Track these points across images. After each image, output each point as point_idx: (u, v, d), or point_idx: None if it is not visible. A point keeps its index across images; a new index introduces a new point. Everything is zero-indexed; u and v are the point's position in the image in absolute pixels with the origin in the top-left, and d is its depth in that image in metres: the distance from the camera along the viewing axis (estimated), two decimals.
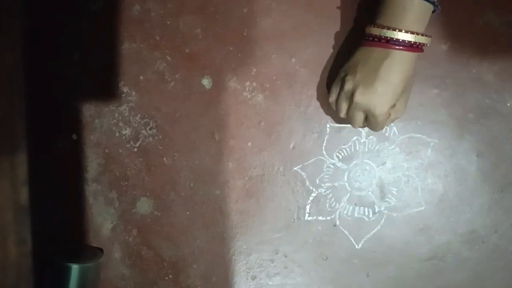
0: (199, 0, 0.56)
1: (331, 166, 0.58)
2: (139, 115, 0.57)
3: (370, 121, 0.50)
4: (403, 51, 0.46)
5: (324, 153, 0.57)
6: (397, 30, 0.46)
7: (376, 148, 0.57)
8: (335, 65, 0.56)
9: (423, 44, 0.47)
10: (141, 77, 0.57)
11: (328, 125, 0.57)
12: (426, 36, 0.47)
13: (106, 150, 0.57)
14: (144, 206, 0.58)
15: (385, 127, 0.53)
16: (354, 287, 0.59)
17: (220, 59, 0.56)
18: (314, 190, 0.58)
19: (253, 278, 0.59)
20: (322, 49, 0.56)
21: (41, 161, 0.56)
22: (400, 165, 0.58)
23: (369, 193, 0.58)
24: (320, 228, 0.58)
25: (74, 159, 0.57)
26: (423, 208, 0.58)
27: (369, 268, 0.58)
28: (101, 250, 0.58)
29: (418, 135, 0.57)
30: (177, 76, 0.57)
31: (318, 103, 0.57)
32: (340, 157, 0.57)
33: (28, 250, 0.35)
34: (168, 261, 0.58)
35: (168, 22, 0.56)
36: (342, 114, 0.52)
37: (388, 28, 0.46)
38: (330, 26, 0.56)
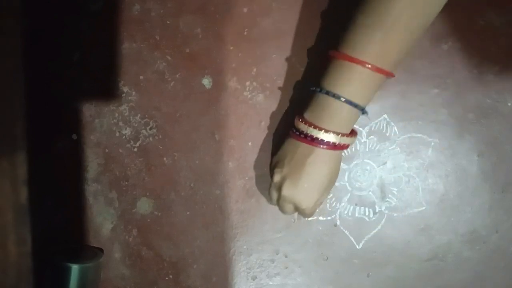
0: (199, 0, 0.56)
1: None
2: (139, 115, 0.57)
3: (299, 212, 0.51)
4: (327, 150, 0.47)
5: None
6: (322, 131, 0.46)
7: (377, 148, 0.57)
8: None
9: (347, 144, 0.48)
10: (141, 77, 0.57)
11: None
12: (350, 137, 0.47)
13: (106, 150, 0.57)
14: (144, 206, 0.58)
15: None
16: (355, 287, 0.59)
17: (220, 58, 0.56)
18: None
19: (254, 278, 0.59)
20: (323, 49, 0.56)
21: (41, 161, 0.56)
22: (401, 165, 0.57)
23: (370, 193, 0.58)
24: (320, 228, 0.58)
25: (74, 159, 0.57)
26: (423, 208, 0.58)
27: (369, 268, 0.58)
28: (101, 250, 0.58)
29: (419, 135, 0.57)
30: (177, 76, 0.57)
31: None
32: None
33: (28, 250, 0.35)
34: (168, 261, 0.58)
35: (168, 22, 0.56)
36: (273, 202, 0.52)
37: (314, 127, 0.46)
38: (330, 25, 0.56)
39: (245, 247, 0.58)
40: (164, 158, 0.57)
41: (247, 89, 0.57)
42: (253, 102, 0.57)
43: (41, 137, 0.56)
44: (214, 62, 0.56)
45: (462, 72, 0.56)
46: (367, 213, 0.58)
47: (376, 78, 0.45)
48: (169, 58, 0.56)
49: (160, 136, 0.57)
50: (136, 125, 0.57)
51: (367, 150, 0.57)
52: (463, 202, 0.58)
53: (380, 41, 0.43)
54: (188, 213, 0.58)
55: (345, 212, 0.58)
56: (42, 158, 0.56)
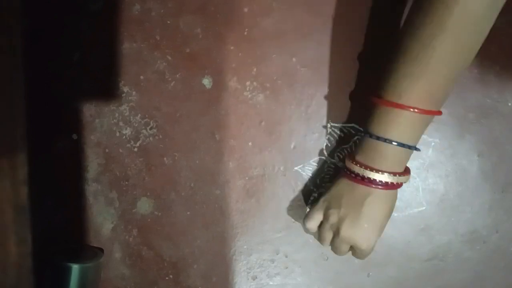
0: (199, 0, 0.56)
1: (331, 166, 0.57)
2: (139, 115, 0.57)
3: (357, 253, 0.51)
4: (384, 190, 0.47)
5: (325, 153, 0.57)
6: (379, 172, 0.46)
7: None
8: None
9: (403, 182, 0.48)
10: (142, 77, 0.56)
11: (329, 125, 0.57)
12: (405, 175, 0.47)
13: (107, 150, 0.57)
14: (144, 206, 0.58)
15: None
16: (355, 287, 0.59)
17: (220, 58, 0.56)
18: (315, 190, 0.57)
19: (254, 278, 0.59)
20: (323, 49, 0.56)
21: (41, 161, 0.56)
22: None
23: None
24: None
25: (74, 159, 0.57)
26: (424, 208, 0.58)
27: (369, 268, 0.58)
28: (101, 250, 0.58)
29: None
30: (177, 75, 0.57)
31: (319, 103, 0.57)
32: (341, 157, 0.57)
33: (28, 250, 0.35)
34: (169, 261, 0.58)
35: (169, 22, 0.56)
36: (326, 244, 0.52)
37: (370, 169, 0.47)
38: (331, 25, 0.56)
39: (245, 247, 0.58)
40: (164, 158, 0.57)
41: (247, 89, 0.57)
42: (253, 102, 0.57)
43: (41, 137, 0.56)
44: (214, 62, 0.56)
45: (462, 72, 0.56)
46: None
47: (425, 119, 0.46)
48: (169, 58, 0.56)
49: (160, 136, 0.57)
50: (136, 125, 0.57)
51: None
52: (463, 202, 0.58)
53: (425, 86, 0.43)
54: (188, 213, 0.58)
55: None
56: (42, 158, 0.56)
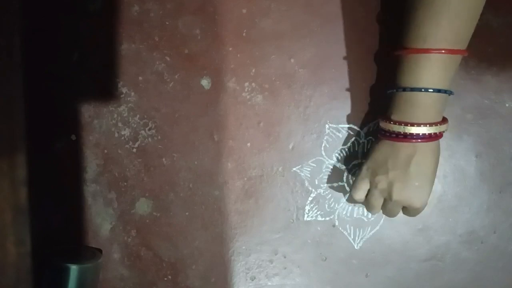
0: (198, 1, 0.56)
1: (330, 166, 0.58)
2: (138, 116, 0.57)
3: (410, 212, 0.51)
4: (428, 142, 0.47)
5: (323, 153, 0.57)
6: (421, 126, 0.46)
7: None
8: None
9: (444, 131, 0.48)
10: (140, 78, 0.57)
11: (327, 126, 0.57)
12: (444, 124, 0.47)
13: (105, 151, 0.57)
14: (143, 206, 0.58)
15: None
16: None
17: (219, 59, 0.56)
18: (313, 190, 0.58)
19: (252, 278, 0.59)
20: (321, 50, 0.56)
21: (40, 162, 0.56)
22: None
23: None
24: (319, 228, 0.58)
25: (73, 159, 0.57)
26: None
27: (368, 268, 0.59)
28: (100, 250, 0.58)
29: None
30: (176, 76, 0.57)
31: (317, 104, 0.57)
32: (339, 157, 0.57)
33: (27, 251, 0.36)
34: (167, 261, 0.58)
35: (167, 23, 0.56)
36: (376, 211, 0.52)
37: (410, 124, 0.46)
38: (329, 26, 0.56)
39: (244, 247, 0.59)
40: (163, 159, 0.57)
41: (246, 90, 0.57)
42: (252, 103, 0.57)
43: (40, 137, 0.56)
44: (213, 62, 0.56)
45: (460, 73, 0.56)
46: (365, 214, 0.58)
47: (453, 60, 0.45)
48: (168, 58, 0.56)
49: (159, 137, 0.57)
50: (135, 125, 0.57)
51: (365, 151, 0.57)
52: (462, 203, 0.58)
53: (449, 25, 0.43)
54: (187, 213, 0.58)
55: (344, 213, 0.58)
56: (41, 159, 0.56)
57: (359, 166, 0.54)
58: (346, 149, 0.57)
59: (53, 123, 0.56)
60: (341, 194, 0.58)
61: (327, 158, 0.58)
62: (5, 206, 0.32)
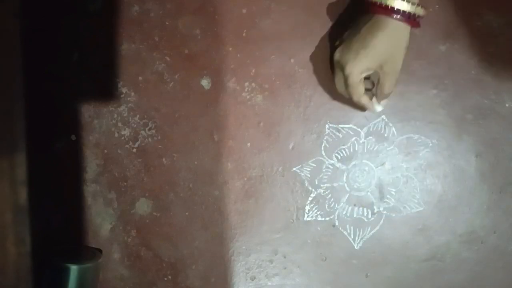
0: (198, 1, 0.56)
1: (330, 166, 0.58)
2: (138, 116, 0.57)
3: (346, 85, 0.50)
4: (387, 16, 0.46)
5: (323, 153, 0.57)
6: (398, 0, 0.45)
7: (375, 148, 0.57)
8: None
9: (410, 13, 0.46)
10: (140, 78, 0.57)
11: (327, 126, 0.57)
12: (418, 6, 0.46)
13: (105, 151, 0.57)
14: (143, 206, 0.58)
15: (362, 98, 0.51)
16: None
17: (219, 59, 0.56)
18: (313, 190, 0.58)
19: (252, 278, 0.59)
20: (321, 50, 0.56)
21: (40, 162, 0.56)
22: (399, 165, 0.58)
23: (368, 193, 0.58)
24: (319, 228, 0.58)
25: (73, 159, 0.57)
26: (422, 208, 0.58)
27: (368, 268, 0.59)
28: (100, 250, 0.58)
29: (417, 136, 0.57)
30: (176, 76, 0.57)
31: (317, 104, 0.57)
32: (339, 157, 0.57)
33: (27, 251, 0.36)
34: (167, 261, 0.58)
35: (167, 23, 0.56)
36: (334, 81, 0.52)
37: None
38: (329, 26, 0.56)
39: (244, 247, 0.59)
40: (163, 159, 0.57)
41: (246, 90, 0.57)
42: (252, 103, 0.57)
43: (40, 137, 0.56)
44: (213, 63, 0.56)
45: (460, 73, 0.56)
46: (365, 214, 0.58)
47: None
48: (168, 58, 0.56)
49: (159, 137, 0.57)
50: (135, 125, 0.57)
51: (365, 151, 0.57)
52: (461, 203, 0.58)
53: None
54: (187, 213, 0.58)
55: (344, 213, 0.58)
56: (41, 159, 0.56)
57: None
58: (346, 149, 0.57)
59: (53, 123, 0.56)
60: (340, 195, 0.58)
61: (327, 158, 0.58)
62: (5, 205, 0.32)
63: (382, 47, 0.47)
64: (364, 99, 0.51)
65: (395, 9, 0.45)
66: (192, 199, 0.58)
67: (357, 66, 0.48)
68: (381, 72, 0.49)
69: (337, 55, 0.49)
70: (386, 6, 0.45)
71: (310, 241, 0.58)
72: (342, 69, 0.49)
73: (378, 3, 0.46)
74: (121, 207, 0.58)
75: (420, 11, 0.46)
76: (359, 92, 0.50)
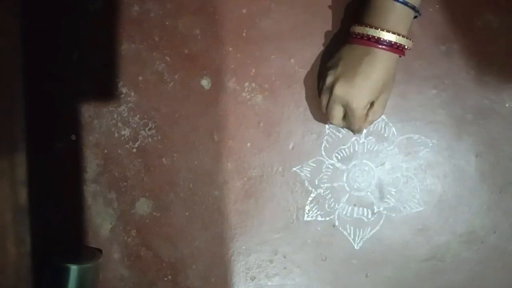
0: (198, 1, 0.56)
1: (330, 166, 0.58)
2: (138, 116, 0.57)
3: (348, 116, 0.51)
4: (385, 51, 0.48)
5: (323, 153, 0.57)
6: (379, 29, 0.47)
7: (375, 148, 0.57)
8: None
9: (404, 46, 0.48)
10: (140, 78, 0.57)
11: (327, 126, 0.57)
12: (408, 38, 0.48)
13: (105, 151, 0.57)
14: (143, 206, 0.58)
15: (363, 129, 0.54)
16: None
17: (219, 59, 0.56)
18: (313, 190, 0.58)
19: (252, 278, 0.59)
20: (321, 50, 0.56)
21: (40, 162, 0.56)
22: (399, 165, 0.58)
23: (368, 193, 0.58)
24: (319, 228, 0.58)
25: (73, 159, 0.57)
26: (422, 208, 0.58)
27: (368, 268, 0.59)
28: (100, 250, 0.58)
29: (417, 136, 0.57)
30: (176, 76, 0.57)
31: (317, 104, 0.57)
32: (339, 157, 0.57)
33: (27, 251, 0.36)
34: (167, 261, 0.58)
35: (167, 23, 0.56)
36: (323, 109, 0.53)
37: (371, 27, 0.48)
38: (329, 26, 0.56)
39: (244, 247, 0.59)
40: (163, 159, 0.57)
41: (246, 90, 0.57)
42: (252, 103, 0.57)
43: (40, 137, 0.56)
44: (213, 63, 0.56)
45: (460, 73, 0.56)
46: (365, 214, 0.58)
47: None
48: (168, 58, 0.56)
49: (159, 137, 0.57)
50: (135, 125, 0.57)
51: (365, 151, 0.57)
52: (461, 203, 0.58)
53: None
54: (187, 213, 0.58)
55: (344, 213, 0.58)
56: (41, 159, 0.56)
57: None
58: (346, 149, 0.57)
59: (53, 123, 0.56)
60: (340, 194, 0.58)
61: (327, 158, 0.58)
62: (5, 205, 0.32)
63: (382, 79, 0.49)
64: (364, 126, 0.52)
65: (393, 42, 0.47)
66: (192, 199, 0.58)
67: (363, 101, 0.49)
68: (376, 101, 0.50)
69: (339, 91, 0.49)
70: (382, 40, 0.47)
71: (310, 241, 0.58)
72: (345, 103, 0.50)
73: (374, 37, 0.47)
74: (121, 207, 0.58)
75: (410, 43, 0.49)
76: (362, 121, 0.51)
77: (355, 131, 0.53)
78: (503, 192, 0.58)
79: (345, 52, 0.50)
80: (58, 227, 0.57)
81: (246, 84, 0.57)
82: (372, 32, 0.48)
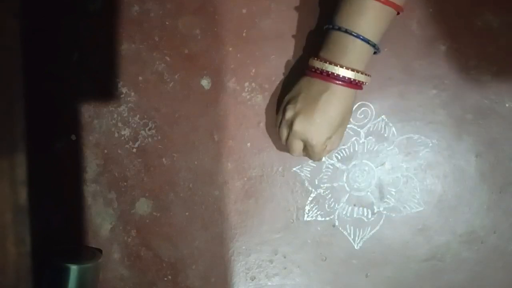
0: (198, 1, 0.56)
1: (330, 166, 0.58)
2: (138, 116, 0.57)
3: (308, 150, 0.51)
4: (342, 86, 0.48)
5: None
6: (338, 66, 0.47)
7: (375, 148, 0.57)
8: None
9: (362, 82, 0.48)
10: (140, 78, 0.57)
11: None
12: (365, 75, 0.48)
13: (105, 151, 0.57)
14: (143, 206, 0.58)
15: (322, 157, 0.54)
16: None
17: (219, 59, 0.56)
18: (313, 190, 0.58)
19: (252, 278, 0.59)
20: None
21: (40, 162, 0.56)
22: (399, 165, 0.58)
23: (368, 193, 0.58)
24: (319, 228, 0.58)
25: (73, 159, 0.57)
26: (422, 208, 0.58)
27: (368, 268, 0.59)
28: (100, 250, 0.58)
29: (417, 136, 0.57)
30: (176, 76, 0.57)
31: None
32: (339, 157, 0.57)
33: (27, 251, 0.36)
34: (167, 261, 0.58)
35: (167, 23, 0.56)
36: (283, 141, 0.53)
37: (330, 63, 0.47)
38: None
39: (244, 247, 0.59)
40: (163, 159, 0.57)
41: (246, 90, 0.57)
42: (252, 103, 0.57)
43: (40, 137, 0.56)
44: (213, 63, 0.56)
45: (460, 73, 0.56)
46: (365, 214, 0.58)
47: (387, 12, 0.47)
48: (168, 59, 0.56)
49: (159, 137, 0.57)
50: (135, 125, 0.57)
51: (365, 151, 0.57)
52: (461, 203, 0.58)
53: None
54: (187, 213, 0.58)
55: (344, 213, 0.58)
56: (41, 159, 0.56)
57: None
58: (346, 149, 0.57)
59: (53, 123, 0.56)
60: (340, 194, 0.58)
61: (327, 158, 0.58)
62: (5, 205, 0.32)
63: (340, 114, 0.49)
64: (324, 155, 0.53)
65: (352, 80, 0.47)
66: (192, 199, 0.58)
67: (322, 138, 0.49)
68: (334, 134, 0.51)
69: (298, 127, 0.49)
70: (340, 76, 0.47)
71: (310, 241, 0.58)
72: (305, 139, 0.50)
73: (333, 74, 0.47)
74: (121, 207, 0.58)
75: (368, 79, 0.49)
76: (322, 154, 0.52)
77: (315, 160, 0.53)
78: (503, 192, 0.58)
79: (304, 86, 0.50)
80: (58, 227, 0.57)
81: (246, 84, 0.57)
82: (331, 68, 0.47)
